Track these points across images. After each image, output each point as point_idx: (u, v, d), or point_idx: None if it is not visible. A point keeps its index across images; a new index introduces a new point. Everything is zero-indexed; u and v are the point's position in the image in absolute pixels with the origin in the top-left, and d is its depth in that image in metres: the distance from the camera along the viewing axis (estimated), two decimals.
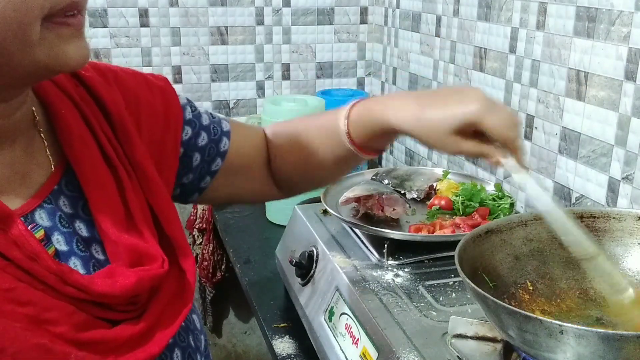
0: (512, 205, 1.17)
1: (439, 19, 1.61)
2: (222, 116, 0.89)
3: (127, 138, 0.71)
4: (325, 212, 1.23)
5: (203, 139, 0.84)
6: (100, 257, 0.65)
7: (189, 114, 0.83)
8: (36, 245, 0.57)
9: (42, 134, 0.66)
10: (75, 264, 0.63)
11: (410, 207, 1.20)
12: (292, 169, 0.90)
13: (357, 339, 0.90)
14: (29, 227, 0.59)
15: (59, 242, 0.63)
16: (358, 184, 1.24)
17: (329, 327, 1.00)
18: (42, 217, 0.62)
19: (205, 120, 0.85)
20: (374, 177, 1.32)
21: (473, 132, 0.71)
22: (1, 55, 0.53)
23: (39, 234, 0.61)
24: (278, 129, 0.92)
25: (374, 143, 0.81)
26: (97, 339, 0.59)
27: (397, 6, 1.84)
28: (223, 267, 1.86)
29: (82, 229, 0.65)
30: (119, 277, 0.61)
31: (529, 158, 1.29)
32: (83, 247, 0.64)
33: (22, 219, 0.60)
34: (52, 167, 0.65)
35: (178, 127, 0.80)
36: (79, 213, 0.66)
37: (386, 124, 0.76)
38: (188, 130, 0.82)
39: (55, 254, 0.62)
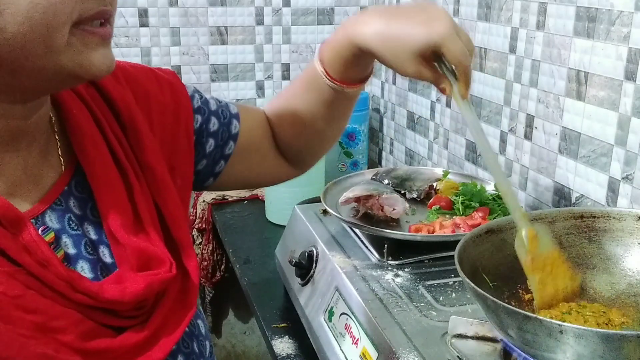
0: None
1: None
2: (227, 100, 0.90)
3: (137, 138, 0.71)
4: (325, 212, 1.23)
5: (214, 124, 0.84)
6: (108, 260, 0.65)
7: (197, 102, 0.83)
8: (47, 250, 0.57)
9: (56, 136, 0.66)
10: (82, 267, 0.63)
11: (410, 207, 1.20)
12: (294, 136, 0.90)
13: (357, 339, 0.90)
14: (40, 230, 0.59)
15: (67, 245, 0.62)
16: (358, 184, 1.24)
17: (328, 327, 0.99)
18: (52, 220, 0.62)
19: (213, 106, 0.85)
20: (374, 177, 1.32)
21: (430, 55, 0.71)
22: (26, 57, 0.53)
23: (49, 236, 0.61)
24: (271, 103, 0.92)
25: (352, 71, 0.78)
26: (102, 348, 0.59)
27: None
28: (222, 267, 1.86)
29: (90, 231, 0.65)
30: (128, 282, 0.61)
31: (528, 158, 1.29)
32: (91, 250, 0.64)
33: (32, 221, 0.60)
34: (63, 168, 0.65)
35: (189, 118, 0.80)
36: (87, 215, 0.65)
37: (353, 45, 0.74)
38: (198, 118, 0.82)
39: (64, 257, 0.62)
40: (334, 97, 0.81)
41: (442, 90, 0.72)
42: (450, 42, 0.68)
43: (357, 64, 0.78)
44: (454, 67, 0.71)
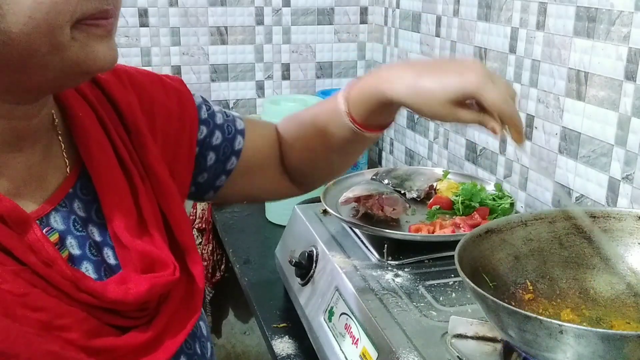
0: (512, 205, 1.17)
1: (439, 19, 1.61)
2: (236, 114, 0.89)
3: (141, 142, 0.71)
4: (325, 212, 1.23)
5: (217, 138, 0.83)
6: (112, 261, 0.65)
7: (204, 114, 0.83)
8: (52, 250, 0.57)
9: (60, 137, 0.66)
10: (87, 268, 0.63)
11: (410, 207, 1.20)
12: (303, 160, 0.90)
13: (357, 339, 0.90)
14: (44, 231, 0.59)
15: (72, 246, 0.63)
16: (358, 184, 1.24)
17: (328, 327, 0.99)
18: (56, 221, 0.62)
19: (219, 120, 0.85)
20: (374, 177, 1.32)
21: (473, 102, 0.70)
22: (31, 56, 0.53)
23: (54, 237, 0.61)
24: (286, 122, 0.91)
25: (375, 118, 0.79)
26: (107, 347, 0.59)
27: (397, 6, 1.84)
28: (222, 267, 1.86)
29: (95, 233, 0.65)
30: (132, 283, 0.61)
31: (529, 157, 1.29)
32: (95, 252, 0.64)
33: (37, 222, 0.60)
34: (68, 170, 0.65)
35: (193, 128, 0.80)
36: (92, 217, 0.66)
37: (382, 96, 0.74)
38: (203, 130, 0.82)
39: (68, 257, 0.62)
40: (352, 137, 0.81)
41: (493, 131, 0.70)
42: (485, 90, 0.68)
43: (384, 112, 0.78)
44: (497, 115, 0.69)
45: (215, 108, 0.86)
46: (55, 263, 0.57)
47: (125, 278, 0.62)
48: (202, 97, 0.85)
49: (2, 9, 0.50)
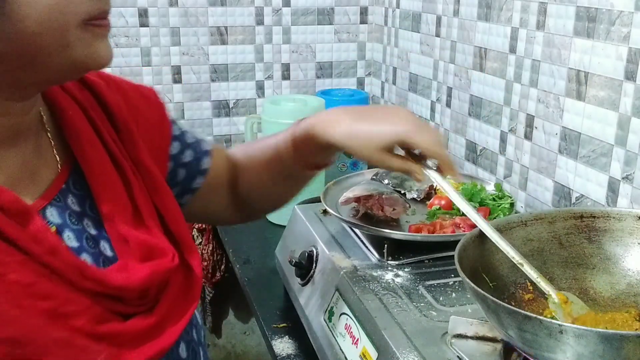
0: (512, 205, 1.17)
1: (439, 19, 1.61)
2: (200, 136, 0.93)
3: (131, 140, 0.73)
4: (325, 212, 1.23)
5: (187, 156, 0.87)
6: (109, 253, 0.66)
7: (177, 130, 0.86)
8: (54, 239, 0.59)
9: (49, 134, 0.68)
10: (85, 260, 0.64)
11: (410, 207, 1.20)
12: (252, 187, 0.94)
13: (357, 339, 0.90)
14: None
15: (70, 239, 0.64)
16: (358, 184, 1.24)
17: (328, 327, 0.99)
18: (53, 215, 0.64)
19: (189, 139, 0.88)
20: (374, 177, 1.32)
21: (403, 149, 0.79)
22: (41, 55, 0.56)
23: (52, 230, 0.62)
24: (241, 150, 0.97)
25: (315, 159, 0.86)
26: (113, 332, 0.60)
27: (397, 6, 1.84)
28: (222, 267, 1.86)
29: (91, 227, 0.66)
30: (132, 270, 0.63)
31: (528, 158, 1.29)
32: (92, 244, 0.65)
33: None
34: (59, 166, 0.67)
35: (167, 140, 0.83)
36: (86, 211, 0.67)
37: (322, 139, 0.81)
38: (176, 146, 0.85)
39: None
40: (295, 174, 0.90)
41: (416, 179, 0.80)
42: (416, 134, 0.76)
43: (324, 153, 0.85)
44: (432, 159, 0.77)
45: (184, 128, 0.89)
46: (59, 252, 0.58)
47: (125, 266, 0.64)
48: (171, 115, 0.88)
49: (19, 13, 0.53)
